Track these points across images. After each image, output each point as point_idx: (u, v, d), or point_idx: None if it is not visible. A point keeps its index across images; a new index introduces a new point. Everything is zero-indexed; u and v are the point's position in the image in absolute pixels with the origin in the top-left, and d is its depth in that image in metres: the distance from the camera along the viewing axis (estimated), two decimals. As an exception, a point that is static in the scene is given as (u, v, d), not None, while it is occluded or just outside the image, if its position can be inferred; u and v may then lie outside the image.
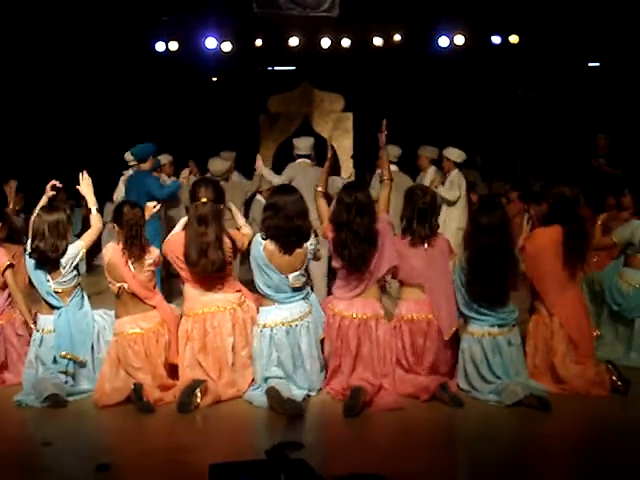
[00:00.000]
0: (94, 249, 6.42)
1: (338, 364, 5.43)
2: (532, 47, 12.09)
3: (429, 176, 8.70)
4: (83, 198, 5.81)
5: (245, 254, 5.85)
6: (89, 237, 5.65)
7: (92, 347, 5.60)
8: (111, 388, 5.37)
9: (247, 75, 13.79)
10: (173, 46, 11.92)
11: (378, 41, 11.88)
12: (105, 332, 5.65)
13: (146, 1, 10.70)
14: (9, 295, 5.97)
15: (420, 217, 5.49)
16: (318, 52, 11.80)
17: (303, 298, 5.49)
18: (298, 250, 5.36)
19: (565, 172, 10.48)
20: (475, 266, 5.29)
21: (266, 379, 5.30)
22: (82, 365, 5.55)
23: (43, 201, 5.72)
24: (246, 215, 9.57)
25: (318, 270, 7.50)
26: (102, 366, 5.51)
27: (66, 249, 5.48)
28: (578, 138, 13.05)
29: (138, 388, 5.21)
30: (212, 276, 5.43)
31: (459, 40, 11.58)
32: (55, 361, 5.50)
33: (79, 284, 5.68)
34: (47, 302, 5.57)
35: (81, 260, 5.67)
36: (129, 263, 5.41)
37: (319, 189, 5.73)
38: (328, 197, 5.99)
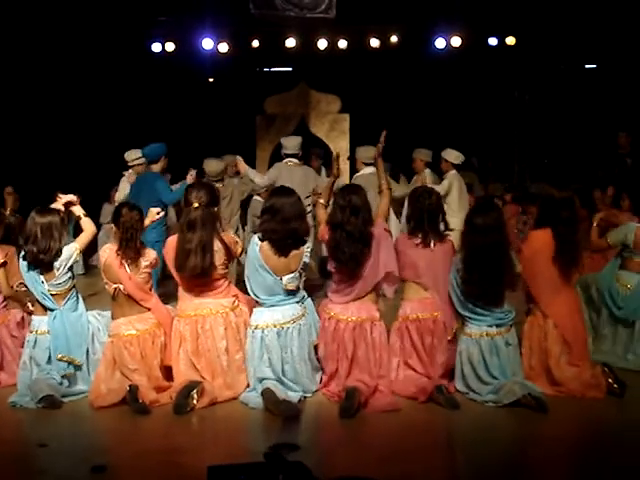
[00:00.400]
0: (90, 250, 6.41)
1: (335, 368, 5.42)
2: (529, 49, 12.12)
3: (424, 178, 8.70)
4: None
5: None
6: (83, 240, 5.65)
7: (87, 348, 5.58)
8: (107, 389, 5.35)
9: (244, 76, 13.79)
10: (170, 47, 11.93)
11: (375, 42, 11.90)
12: (99, 333, 5.64)
13: (143, 2, 10.69)
14: (5, 297, 5.96)
15: (430, 218, 5.50)
16: (315, 53, 11.81)
17: (297, 302, 5.47)
18: (294, 252, 5.36)
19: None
20: (470, 266, 5.29)
21: (261, 380, 5.28)
22: (78, 367, 5.53)
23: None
24: (244, 215, 9.59)
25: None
26: (97, 367, 5.49)
27: (60, 251, 5.47)
28: (575, 140, 13.09)
29: (134, 389, 5.19)
30: (201, 281, 5.42)
31: (456, 42, 11.60)
32: (49, 362, 5.48)
33: (74, 286, 5.66)
34: (41, 304, 5.56)
35: (76, 262, 5.66)
36: (125, 265, 5.40)
37: (321, 202, 5.75)
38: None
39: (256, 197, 9.18)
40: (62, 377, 5.46)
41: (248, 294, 5.54)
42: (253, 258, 5.37)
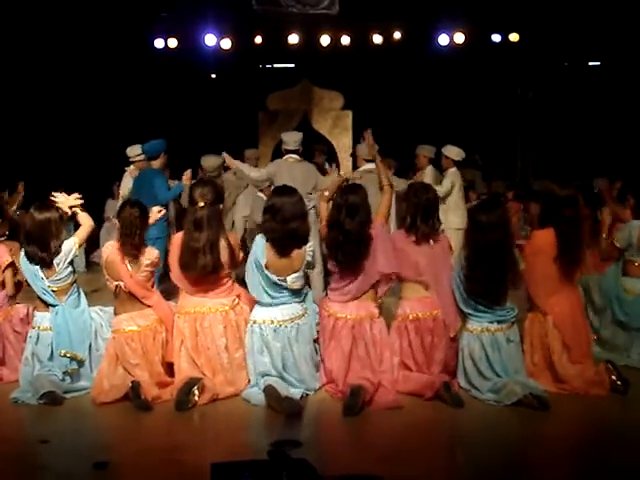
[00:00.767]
0: (92, 247, 6.40)
1: (334, 365, 5.40)
2: (532, 45, 12.10)
3: (427, 175, 8.69)
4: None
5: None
6: (82, 234, 5.64)
7: (90, 345, 5.58)
8: (109, 385, 5.35)
9: (246, 72, 13.78)
10: (172, 43, 11.92)
11: (378, 39, 11.89)
12: (102, 329, 5.63)
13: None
14: (7, 293, 5.97)
15: (424, 214, 5.49)
16: (317, 50, 11.80)
17: (299, 302, 5.46)
18: (296, 251, 5.34)
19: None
20: (473, 264, 5.28)
21: (262, 375, 5.27)
22: (80, 363, 5.53)
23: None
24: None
25: (316, 275, 7.49)
26: (100, 363, 5.49)
27: (59, 247, 5.46)
28: (578, 137, 13.06)
29: (136, 386, 5.19)
30: (206, 280, 5.41)
31: (459, 38, 11.57)
32: (52, 358, 5.48)
33: (75, 281, 5.66)
34: (43, 300, 5.55)
35: (76, 257, 5.65)
36: (126, 262, 5.39)
37: (326, 194, 5.73)
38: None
39: (259, 194, 9.16)
40: (64, 373, 5.45)
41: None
42: (257, 258, 5.35)
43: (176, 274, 5.49)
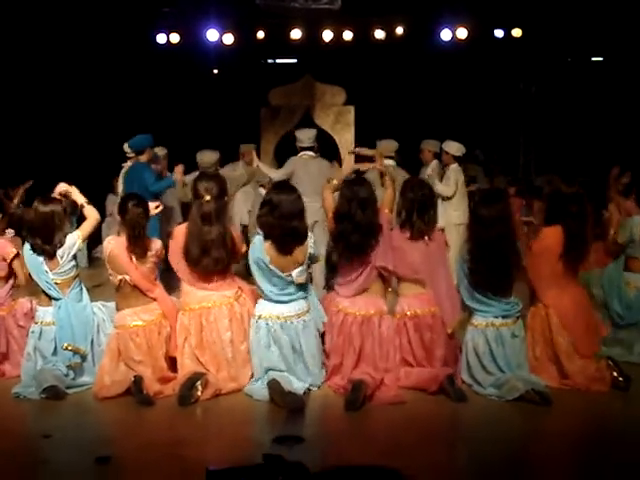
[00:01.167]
0: (94, 242, 6.41)
1: (340, 362, 5.42)
2: (535, 41, 12.06)
3: (431, 169, 8.68)
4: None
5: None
6: (86, 228, 5.64)
7: (92, 340, 5.58)
8: (111, 380, 5.36)
9: (248, 68, 13.75)
10: (174, 38, 11.89)
11: (380, 34, 11.85)
12: (104, 324, 5.64)
13: (147, -8, 10.68)
14: (11, 287, 5.98)
15: (420, 210, 5.48)
16: (320, 45, 11.77)
17: (304, 297, 5.45)
18: (298, 247, 5.33)
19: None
20: (476, 257, 5.30)
21: (267, 370, 5.28)
22: (83, 357, 5.53)
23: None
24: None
25: (320, 269, 7.49)
26: (102, 358, 5.49)
27: (63, 240, 5.46)
28: (581, 132, 13.03)
29: (138, 381, 5.20)
30: (210, 273, 5.41)
31: (461, 33, 11.53)
32: (55, 353, 5.48)
33: (78, 275, 5.66)
34: (46, 294, 5.56)
35: (79, 251, 5.65)
36: (131, 255, 5.39)
37: (334, 182, 5.71)
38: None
39: (260, 190, 9.15)
40: (67, 367, 5.46)
41: (251, 284, 5.56)
42: (259, 258, 5.33)
43: (181, 268, 5.48)
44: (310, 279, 5.75)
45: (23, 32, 11.05)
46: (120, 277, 5.42)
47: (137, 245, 5.38)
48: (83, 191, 5.78)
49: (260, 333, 5.34)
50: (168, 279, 5.97)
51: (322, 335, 5.51)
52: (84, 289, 5.70)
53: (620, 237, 6.21)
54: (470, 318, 5.47)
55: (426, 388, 5.28)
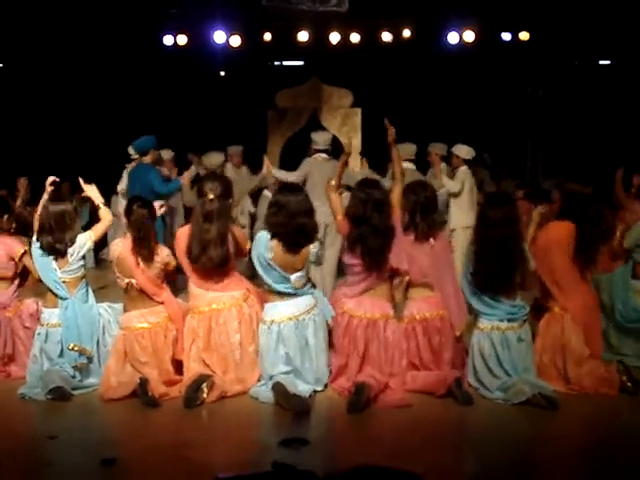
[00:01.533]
0: (100, 243, 6.42)
1: (345, 362, 5.40)
2: (542, 44, 12.05)
3: (442, 172, 8.68)
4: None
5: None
6: (99, 229, 5.67)
7: (98, 341, 5.58)
8: (117, 382, 5.35)
9: (255, 70, 13.78)
10: (181, 40, 11.89)
11: (387, 37, 11.84)
12: (110, 326, 5.64)
13: (155, -6, 10.70)
14: (17, 287, 5.99)
15: (423, 211, 5.48)
16: (327, 47, 11.77)
17: (309, 293, 5.45)
18: (302, 250, 5.32)
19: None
20: (482, 259, 5.29)
21: (271, 377, 5.26)
22: (89, 358, 5.53)
23: (44, 198, 5.70)
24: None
25: (328, 269, 7.47)
26: (108, 360, 5.49)
27: (73, 239, 5.48)
28: (588, 136, 13.00)
29: (144, 382, 5.20)
30: (215, 273, 5.41)
31: (469, 36, 11.52)
32: (62, 355, 5.48)
33: (85, 276, 5.67)
34: (53, 293, 5.56)
35: (88, 251, 5.66)
36: (139, 259, 5.39)
37: (332, 183, 5.69)
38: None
39: (266, 192, 9.15)
40: (74, 368, 5.46)
41: (257, 287, 5.56)
42: (261, 255, 5.34)
43: (186, 267, 5.49)
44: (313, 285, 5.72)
45: (31, 34, 11.07)
46: (127, 280, 5.43)
47: (142, 247, 5.38)
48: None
49: (270, 339, 5.33)
50: (176, 280, 5.97)
51: (329, 331, 5.50)
52: (90, 290, 5.70)
53: (627, 241, 6.17)
54: (476, 321, 5.45)
55: (434, 391, 5.26)
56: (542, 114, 14.08)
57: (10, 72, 12.61)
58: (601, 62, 13.83)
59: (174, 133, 8.23)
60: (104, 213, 5.68)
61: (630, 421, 5.02)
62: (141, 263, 5.40)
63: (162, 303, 5.50)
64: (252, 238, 6.14)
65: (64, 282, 5.52)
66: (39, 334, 5.58)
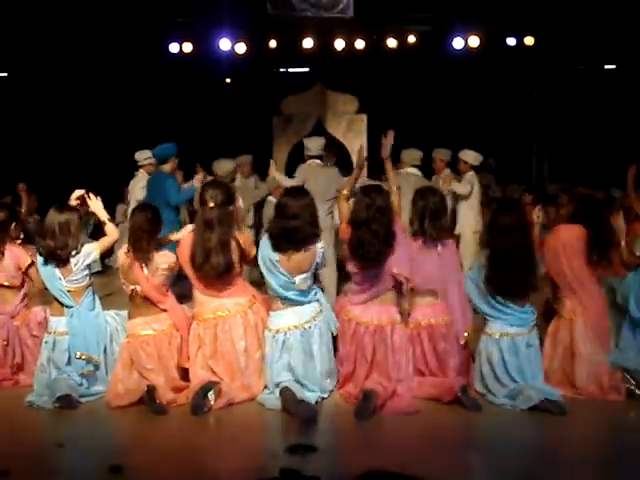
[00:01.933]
0: (107, 250, 6.43)
1: (352, 369, 5.40)
2: (547, 49, 12.03)
3: (445, 178, 8.69)
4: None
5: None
6: (105, 242, 5.71)
7: (105, 348, 5.59)
8: (124, 389, 5.36)
9: (261, 76, 13.79)
10: (187, 47, 11.92)
11: (392, 42, 11.85)
12: (117, 333, 5.65)
13: (160, 2, 10.71)
14: (24, 296, 6.01)
15: (431, 217, 5.48)
16: (332, 53, 11.79)
17: (315, 300, 5.44)
18: (305, 252, 5.31)
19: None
20: (495, 264, 5.29)
21: (277, 384, 5.26)
22: (96, 366, 5.54)
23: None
24: (259, 218, 9.58)
25: (329, 277, 7.47)
26: (115, 367, 5.50)
27: (77, 248, 5.49)
28: (593, 140, 12.98)
29: (151, 389, 5.20)
30: (219, 280, 5.41)
31: (474, 42, 11.52)
32: (69, 363, 5.49)
33: (91, 284, 5.68)
34: (59, 301, 5.57)
35: (94, 262, 5.67)
36: (143, 266, 5.41)
37: (344, 192, 5.70)
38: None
39: (270, 198, 9.16)
40: (81, 376, 5.46)
41: (262, 293, 5.56)
42: (265, 257, 5.36)
43: (190, 275, 5.50)
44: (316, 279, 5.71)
45: (36, 41, 11.11)
46: (132, 287, 5.44)
47: (136, 249, 5.38)
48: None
49: (275, 348, 5.32)
50: (181, 287, 5.97)
51: (334, 338, 5.49)
52: (97, 298, 5.72)
53: (638, 248, 6.13)
54: (484, 327, 5.44)
55: (440, 398, 5.25)
56: (547, 119, 14.08)
57: (15, 80, 12.66)
58: (606, 66, 13.81)
59: (180, 140, 8.21)
60: (110, 229, 5.69)
61: (638, 426, 5.01)
62: (145, 269, 5.41)
63: (166, 311, 5.50)
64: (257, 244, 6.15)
65: (69, 291, 5.53)
66: (46, 342, 5.59)
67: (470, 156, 8.70)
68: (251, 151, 9.94)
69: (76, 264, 5.50)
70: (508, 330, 5.32)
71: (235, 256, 5.43)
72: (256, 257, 5.53)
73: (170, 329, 5.48)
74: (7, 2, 9.74)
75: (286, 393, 5.09)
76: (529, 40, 11.77)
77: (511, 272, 5.22)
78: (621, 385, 5.32)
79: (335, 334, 5.47)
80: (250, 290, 5.65)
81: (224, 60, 11.98)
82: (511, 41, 11.88)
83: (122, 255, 5.52)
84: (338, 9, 9.21)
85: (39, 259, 5.56)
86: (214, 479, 3.76)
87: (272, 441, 4.89)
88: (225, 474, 4.14)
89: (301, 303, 5.38)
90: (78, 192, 5.76)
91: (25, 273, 5.97)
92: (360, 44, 11.82)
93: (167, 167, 7.94)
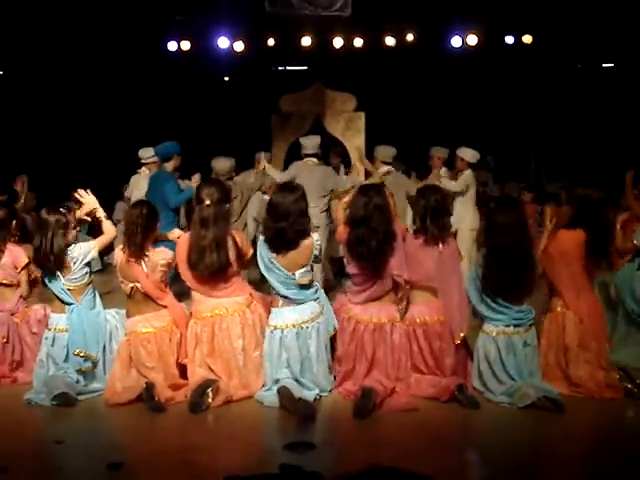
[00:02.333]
0: (106, 248, 6.43)
1: (351, 367, 5.40)
2: (546, 47, 12.05)
3: (442, 176, 8.69)
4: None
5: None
6: (102, 241, 5.69)
7: (104, 346, 5.59)
8: (122, 387, 5.36)
9: (259, 75, 13.81)
10: (185, 45, 11.93)
11: (390, 41, 11.86)
12: (117, 331, 5.64)
13: (159, 0, 10.71)
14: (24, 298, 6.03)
15: (433, 215, 5.47)
16: (330, 52, 11.79)
17: (315, 299, 5.45)
18: (299, 248, 5.32)
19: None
20: (492, 263, 5.28)
21: (276, 381, 5.27)
22: (94, 363, 5.54)
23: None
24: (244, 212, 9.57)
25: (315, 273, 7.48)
26: (113, 366, 5.50)
27: (66, 248, 5.45)
28: (592, 139, 13.00)
29: (150, 387, 5.20)
30: (216, 278, 5.41)
31: (472, 40, 11.54)
32: (67, 360, 5.50)
33: (91, 282, 5.67)
34: (60, 299, 5.57)
35: (93, 260, 5.67)
36: (142, 263, 5.41)
37: (346, 200, 5.68)
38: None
39: (264, 196, 9.13)
40: (78, 372, 5.46)
41: (260, 291, 5.57)
42: (262, 256, 5.38)
43: (184, 274, 5.49)
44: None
45: (34, 39, 11.11)
46: (131, 285, 5.44)
47: (130, 243, 5.37)
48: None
49: (273, 344, 5.33)
50: (180, 285, 5.98)
51: (332, 338, 5.50)
52: (97, 296, 5.71)
53: (638, 239, 6.14)
54: (482, 325, 5.45)
55: (438, 398, 5.26)
56: (546, 117, 14.09)
57: (12, 78, 12.65)
58: (604, 65, 13.83)
59: (178, 138, 8.21)
60: (107, 226, 5.69)
61: (636, 424, 5.02)
62: (144, 266, 5.41)
63: (165, 307, 5.51)
64: (254, 242, 6.16)
65: (69, 290, 5.53)
66: (46, 338, 5.59)
67: (468, 154, 8.70)
68: (250, 149, 9.94)
69: (75, 263, 5.50)
70: (505, 329, 5.33)
71: (231, 254, 5.42)
72: (253, 257, 5.54)
73: (170, 325, 5.48)
74: (4, 0, 9.74)
75: (284, 391, 5.10)
76: (527, 38, 11.79)
77: (509, 271, 5.23)
78: (616, 385, 5.32)
79: (332, 334, 5.48)
80: (248, 288, 5.66)
81: (222, 58, 12.00)
82: (509, 39, 11.89)
83: (118, 252, 5.52)
84: (336, 7, 9.22)
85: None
86: (212, 476, 3.75)
87: (270, 438, 4.90)
88: (223, 471, 4.13)
89: (301, 302, 5.38)
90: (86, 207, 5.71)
91: (20, 272, 5.97)
92: (358, 42, 11.83)
93: (170, 165, 7.93)
